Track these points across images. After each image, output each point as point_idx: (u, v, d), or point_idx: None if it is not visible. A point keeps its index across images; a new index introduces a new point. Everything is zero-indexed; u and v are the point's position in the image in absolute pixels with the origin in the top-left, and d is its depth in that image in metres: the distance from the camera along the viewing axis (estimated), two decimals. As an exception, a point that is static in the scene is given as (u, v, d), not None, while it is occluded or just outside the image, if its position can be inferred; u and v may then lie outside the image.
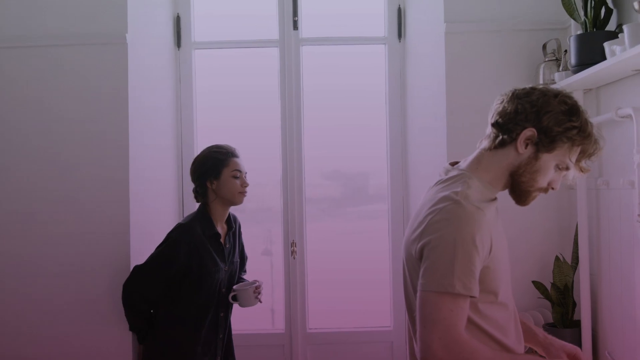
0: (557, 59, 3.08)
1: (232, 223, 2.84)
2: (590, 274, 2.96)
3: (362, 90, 3.83)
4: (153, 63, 3.49)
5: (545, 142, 1.64)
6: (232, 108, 3.79)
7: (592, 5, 2.73)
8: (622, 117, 2.53)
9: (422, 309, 1.56)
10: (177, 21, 3.71)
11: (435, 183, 1.77)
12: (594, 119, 2.74)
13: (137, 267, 2.71)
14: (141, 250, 3.18)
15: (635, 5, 2.29)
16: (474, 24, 3.22)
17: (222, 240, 2.74)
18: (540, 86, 1.72)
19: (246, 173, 2.77)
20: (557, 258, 3.07)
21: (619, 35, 2.46)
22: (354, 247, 3.82)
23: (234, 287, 2.78)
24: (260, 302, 2.83)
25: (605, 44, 2.50)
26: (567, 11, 2.89)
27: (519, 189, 1.71)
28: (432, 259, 1.56)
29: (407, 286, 1.75)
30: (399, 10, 3.72)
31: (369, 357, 3.72)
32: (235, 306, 2.86)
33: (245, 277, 3.03)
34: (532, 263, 3.21)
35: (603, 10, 2.74)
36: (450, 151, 3.18)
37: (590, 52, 2.65)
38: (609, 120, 2.67)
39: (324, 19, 3.77)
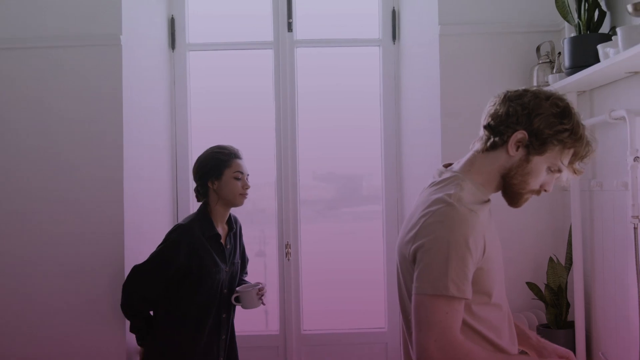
0: (550, 61, 3.09)
1: (232, 224, 2.83)
2: (584, 275, 2.98)
3: (357, 92, 3.83)
4: (148, 64, 3.49)
5: (536, 144, 1.64)
6: (226, 109, 3.79)
7: (586, 7, 2.74)
8: (616, 119, 2.54)
9: (417, 312, 1.56)
10: (172, 23, 3.71)
11: (429, 185, 1.77)
12: (588, 121, 2.76)
13: (135, 268, 2.70)
14: (135, 250, 3.19)
15: (629, 7, 2.30)
16: (468, 26, 3.23)
17: (222, 241, 2.74)
18: (533, 88, 1.72)
19: (248, 175, 2.77)
20: (551, 259, 3.08)
21: (613, 37, 2.47)
22: (348, 249, 3.83)
23: (237, 288, 2.77)
24: (264, 304, 2.83)
25: (599, 47, 2.51)
26: (560, 14, 2.90)
27: (511, 191, 1.71)
28: (426, 262, 1.56)
29: (401, 288, 1.75)
30: (393, 12, 3.72)
31: (364, 358, 3.72)
32: (238, 308, 2.86)
33: (246, 278, 3.02)
34: (526, 264, 3.22)
35: (596, 13, 2.76)
36: (445, 152, 3.19)
37: (584, 55, 2.66)
38: (603, 122, 2.68)
39: (319, 20, 3.78)
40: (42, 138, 3.18)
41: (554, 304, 3.04)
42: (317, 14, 3.78)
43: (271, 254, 3.76)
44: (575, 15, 2.80)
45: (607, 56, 2.45)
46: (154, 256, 2.65)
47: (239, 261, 2.87)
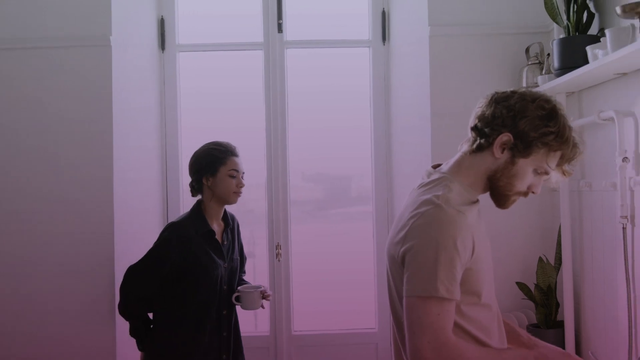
0: (540, 63, 3.11)
1: (229, 220, 2.81)
2: (574, 275, 2.99)
3: (347, 92, 3.84)
4: (138, 65, 3.48)
5: (521, 147, 1.63)
6: (217, 109, 3.79)
7: (575, 9, 2.76)
8: (605, 119, 2.56)
9: (409, 315, 1.56)
10: (162, 23, 3.70)
11: (418, 186, 1.77)
12: (577, 122, 2.78)
13: (130, 268, 2.67)
14: (125, 249, 3.19)
15: (618, 9, 2.32)
16: (458, 27, 3.25)
17: (218, 237, 2.71)
18: (521, 90, 1.71)
19: (243, 173, 2.74)
20: (540, 259, 3.10)
21: (601, 39, 2.49)
22: (339, 249, 3.83)
23: (239, 288, 2.74)
24: (263, 307, 2.81)
25: (588, 48, 2.53)
26: (549, 15, 2.92)
27: (497, 193, 1.71)
28: (415, 264, 1.57)
29: (390, 289, 1.75)
30: (383, 13, 3.73)
31: (354, 358, 3.72)
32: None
33: (244, 277, 2.99)
34: (515, 264, 3.24)
35: (585, 15, 2.77)
36: (435, 152, 3.20)
37: (573, 56, 2.68)
38: (592, 123, 2.70)
39: (309, 21, 3.78)
40: (32, 138, 3.17)
41: (544, 303, 3.06)
42: (307, 14, 3.78)
43: (261, 255, 3.76)
44: (564, 17, 2.82)
45: (595, 57, 2.46)
46: (147, 255, 2.64)
47: (238, 258, 2.84)
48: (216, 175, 2.66)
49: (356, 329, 3.80)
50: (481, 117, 1.69)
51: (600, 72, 2.51)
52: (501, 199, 1.72)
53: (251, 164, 3.64)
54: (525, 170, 1.66)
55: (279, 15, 3.71)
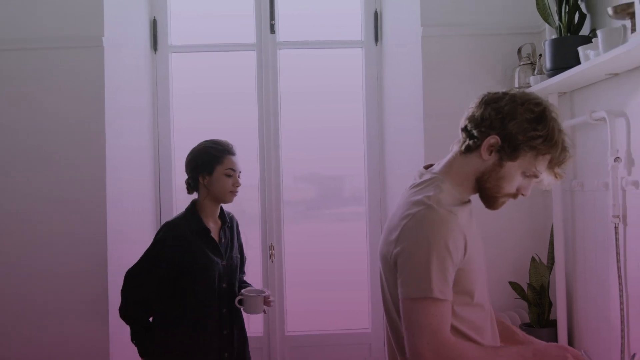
0: (532, 63, 3.12)
1: (226, 218, 2.79)
2: (566, 274, 3.00)
3: (340, 93, 3.84)
4: (130, 66, 3.48)
5: (508, 150, 1.63)
6: (209, 110, 3.78)
7: (567, 10, 2.77)
8: (596, 120, 2.57)
9: (407, 317, 1.56)
10: (154, 25, 3.69)
11: (410, 186, 1.77)
12: (569, 122, 2.79)
13: (128, 271, 2.65)
14: (118, 249, 3.20)
15: (609, 10, 2.33)
16: (451, 28, 3.25)
17: (215, 235, 2.69)
18: (513, 91, 1.70)
19: (240, 172, 2.72)
20: (533, 259, 3.11)
21: (593, 40, 2.49)
22: (332, 250, 3.83)
23: (242, 291, 2.72)
24: (265, 312, 2.80)
25: (580, 49, 2.54)
26: (541, 16, 2.93)
27: (486, 194, 1.71)
28: (409, 266, 1.57)
29: (384, 290, 1.75)
30: (376, 14, 3.74)
31: (348, 359, 3.73)
32: None
33: (244, 278, 2.98)
34: (508, 264, 3.25)
35: (577, 15, 2.78)
36: (428, 152, 3.21)
37: (565, 57, 2.69)
38: (584, 123, 2.72)
39: (301, 22, 3.78)
40: (25, 138, 3.17)
41: (537, 303, 3.07)
42: (299, 15, 3.79)
43: (253, 255, 3.74)
44: (556, 18, 2.83)
45: (587, 58, 2.47)
46: (143, 257, 2.62)
47: (238, 256, 2.81)
48: (212, 174, 2.64)
49: (350, 329, 3.80)
50: (471, 118, 1.69)
51: (592, 73, 2.52)
52: (489, 200, 1.71)
53: (244, 164, 3.61)
54: (513, 173, 1.66)
55: (272, 16, 3.71)
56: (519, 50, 3.16)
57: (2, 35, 3.16)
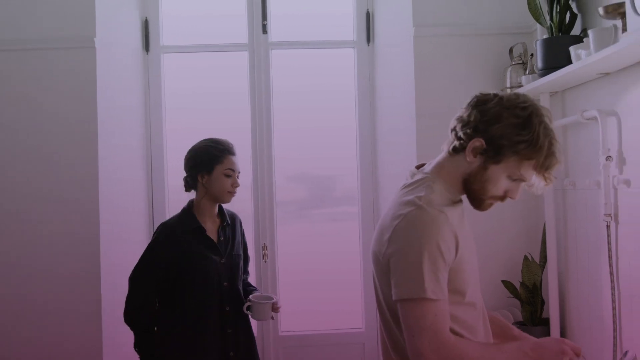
0: (523, 63, 3.13)
1: (225, 216, 2.77)
2: (558, 272, 3.02)
3: (332, 93, 3.84)
4: (122, 66, 3.48)
5: (492, 153, 1.62)
6: (202, 110, 3.78)
7: (558, 10, 2.78)
8: (588, 119, 2.59)
9: (406, 319, 1.56)
10: (146, 25, 3.69)
11: (402, 187, 1.77)
12: (560, 122, 2.80)
13: (130, 276, 2.63)
14: (111, 249, 3.21)
15: (600, 10, 2.34)
16: (442, 28, 3.26)
17: (212, 234, 2.67)
18: (504, 93, 1.69)
19: (239, 172, 2.70)
20: (525, 257, 3.12)
21: (584, 39, 2.51)
22: (325, 250, 3.83)
23: (250, 297, 2.68)
24: (273, 318, 2.79)
25: (571, 48, 2.55)
26: (533, 16, 2.94)
27: (472, 196, 1.70)
28: (402, 267, 1.57)
29: (377, 290, 1.75)
30: (368, 14, 3.74)
31: (341, 358, 3.73)
32: None
33: (248, 280, 2.95)
34: (501, 263, 3.26)
35: (568, 15, 2.79)
36: (420, 152, 3.22)
37: (556, 56, 2.70)
38: (575, 123, 2.73)
39: (294, 22, 3.78)
40: (18, 137, 3.17)
41: (529, 301, 3.08)
42: (291, 15, 3.79)
43: (247, 256, 3.75)
44: (547, 17, 2.84)
45: (579, 58, 2.48)
46: (140, 260, 2.61)
47: (241, 254, 2.77)
48: (212, 173, 2.61)
49: (343, 329, 3.81)
50: (460, 120, 1.69)
51: (583, 72, 2.53)
52: (476, 201, 1.71)
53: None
54: (498, 176, 1.64)
55: (264, 16, 3.71)
56: (511, 50, 3.17)
57: (-6, 36, 3.16)
